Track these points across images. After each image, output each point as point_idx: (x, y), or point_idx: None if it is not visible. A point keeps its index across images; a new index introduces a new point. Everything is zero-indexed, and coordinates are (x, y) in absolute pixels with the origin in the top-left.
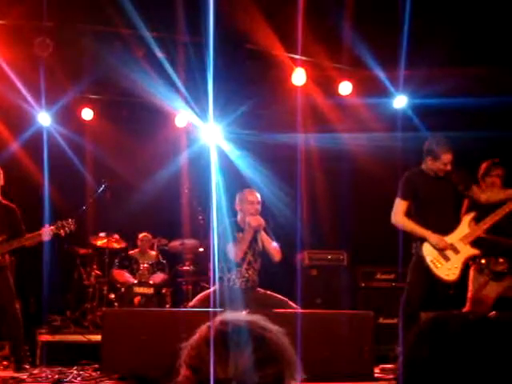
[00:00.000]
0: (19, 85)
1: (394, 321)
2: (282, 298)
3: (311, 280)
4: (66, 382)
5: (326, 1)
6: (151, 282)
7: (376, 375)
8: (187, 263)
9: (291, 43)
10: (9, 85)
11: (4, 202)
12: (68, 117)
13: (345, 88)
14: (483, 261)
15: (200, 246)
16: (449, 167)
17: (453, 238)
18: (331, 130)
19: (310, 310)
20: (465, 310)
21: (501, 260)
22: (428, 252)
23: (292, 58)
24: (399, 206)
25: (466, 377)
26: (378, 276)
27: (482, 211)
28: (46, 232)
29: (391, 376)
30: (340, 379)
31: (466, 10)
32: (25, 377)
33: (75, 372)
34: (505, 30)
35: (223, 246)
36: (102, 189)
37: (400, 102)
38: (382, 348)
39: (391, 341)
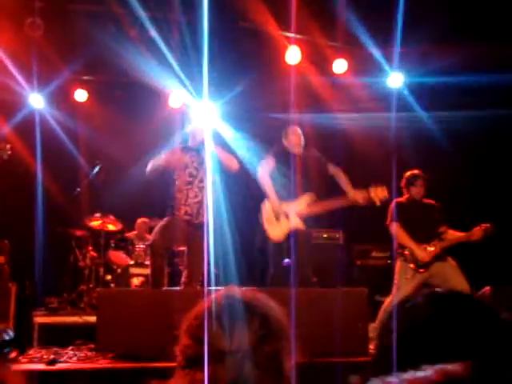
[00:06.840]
0: (10, 66)
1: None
2: None
3: None
4: (61, 361)
5: None
6: (147, 262)
7: (370, 351)
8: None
9: (285, 21)
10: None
11: None
12: (61, 98)
13: (339, 66)
14: (406, 252)
15: None
16: (296, 139)
17: (290, 207)
18: (326, 108)
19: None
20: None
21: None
22: (267, 210)
23: (286, 36)
24: (265, 166)
25: (432, 348)
26: (374, 254)
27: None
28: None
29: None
30: (334, 356)
31: None
32: (20, 357)
33: (70, 352)
34: (502, 6)
35: None
36: (95, 171)
37: (396, 80)
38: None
39: None
